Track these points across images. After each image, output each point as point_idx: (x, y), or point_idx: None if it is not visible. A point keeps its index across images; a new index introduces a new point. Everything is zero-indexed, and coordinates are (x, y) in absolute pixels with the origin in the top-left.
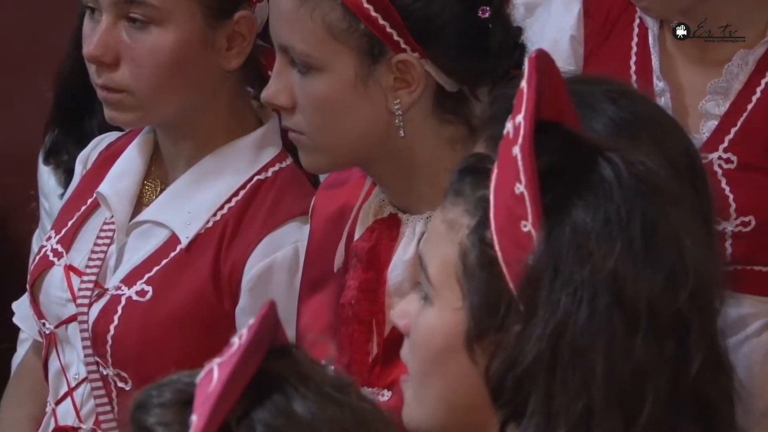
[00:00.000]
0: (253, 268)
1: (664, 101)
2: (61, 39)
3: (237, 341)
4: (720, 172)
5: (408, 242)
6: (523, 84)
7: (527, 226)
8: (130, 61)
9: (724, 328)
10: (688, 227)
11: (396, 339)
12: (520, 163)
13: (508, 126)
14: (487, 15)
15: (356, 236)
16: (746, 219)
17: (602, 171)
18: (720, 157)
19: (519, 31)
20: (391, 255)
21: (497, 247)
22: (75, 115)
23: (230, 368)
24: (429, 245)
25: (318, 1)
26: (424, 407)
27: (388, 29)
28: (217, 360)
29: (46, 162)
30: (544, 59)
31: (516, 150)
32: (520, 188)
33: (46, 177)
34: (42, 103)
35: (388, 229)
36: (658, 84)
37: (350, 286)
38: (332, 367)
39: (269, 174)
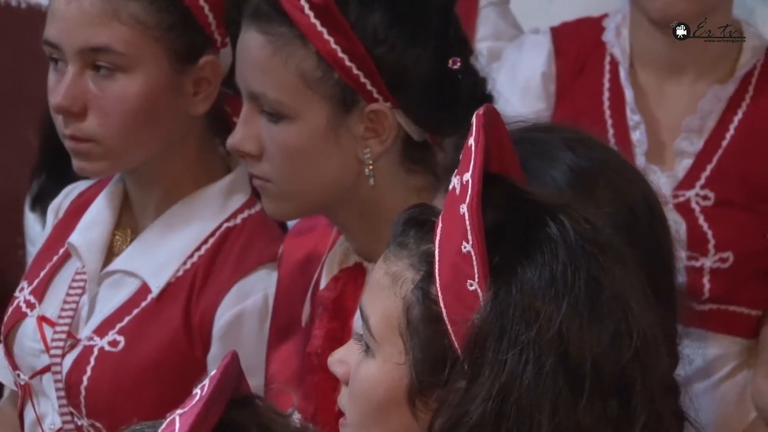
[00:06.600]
0: (223, 316)
1: (639, 135)
2: (46, 85)
3: (199, 392)
4: (698, 209)
5: None
6: (471, 141)
7: (473, 285)
8: (97, 110)
9: (697, 370)
10: (633, 286)
11: None
12: (467, 222)
13: (454, 181)
14: (457, 66)
15: (322, 286)
16: (724, 255)
17: (548, 229)
18: (697, 194)
19: (485, 81)
20: (356, 304)
21: (442, 305)
22: (61, 161)
23: (192, 419)
24: (370, 297)
25: (292, 49)
26: None
27: (362, 79)
28: (179, 411)
29: (33, 209)
30: (490, 115)
31: (463, 209)
32: (467, 247)
33: (33, 224)
34: (28, 149)
35: (353, 278)
36: (633, 117)
37: (316, 336)
38: (297, 417)
39: (238, 221)
